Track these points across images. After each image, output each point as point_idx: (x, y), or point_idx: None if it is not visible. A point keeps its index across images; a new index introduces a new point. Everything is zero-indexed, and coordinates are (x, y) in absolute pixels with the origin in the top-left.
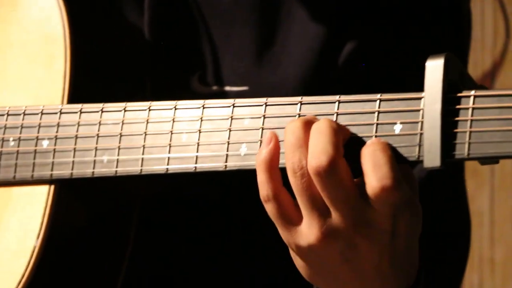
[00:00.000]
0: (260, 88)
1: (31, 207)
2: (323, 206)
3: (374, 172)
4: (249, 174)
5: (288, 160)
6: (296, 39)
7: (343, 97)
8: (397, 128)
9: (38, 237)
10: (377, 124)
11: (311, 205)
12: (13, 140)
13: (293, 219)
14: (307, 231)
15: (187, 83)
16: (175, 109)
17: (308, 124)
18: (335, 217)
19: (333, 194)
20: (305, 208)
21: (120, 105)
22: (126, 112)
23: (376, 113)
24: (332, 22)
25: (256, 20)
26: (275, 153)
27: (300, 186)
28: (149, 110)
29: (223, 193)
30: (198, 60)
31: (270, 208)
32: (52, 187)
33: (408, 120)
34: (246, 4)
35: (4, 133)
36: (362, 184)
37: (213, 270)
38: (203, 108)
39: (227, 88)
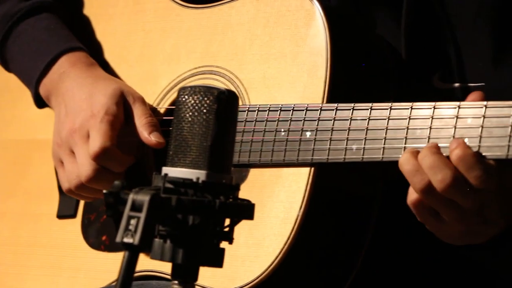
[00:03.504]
0: (496, 85)
1: (296, 184)
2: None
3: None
4: None
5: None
6: None
7: None
8: None
9: (300, 208)
10: None
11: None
12: (284, 131)
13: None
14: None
15: (428, 80)
16: (412, 108)
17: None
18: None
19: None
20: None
21: (368, 104)
22: (372, 111)
23: None
24: None
25: (493, 23)
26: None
27: None
28: (391, 109)
29: None
30: (441, 59)
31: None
32: (312, 169)
33: None
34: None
35: (277, 125)
36: None
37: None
38: (434, 108)
39: (467, 84)
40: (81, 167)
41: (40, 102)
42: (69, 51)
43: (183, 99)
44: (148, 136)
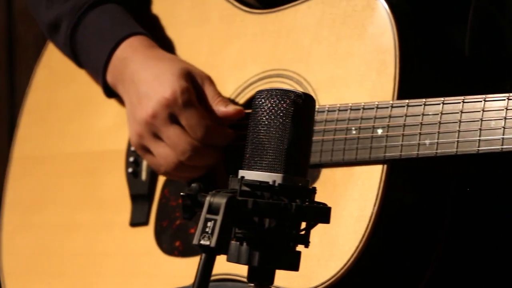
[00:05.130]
0: None
1: (369, 182)
2: None
3: None
4: None
5: None
6: None
7: None
8: None
9: (374, 206)
10: None
11: None
12: (355, 129)
13: None
14: None
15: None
16: (485, 101)
17: None
18: None
19: None
20: None
21: (439, 99)
22: (444, 105)
23: None
24: None
25: None
26: None
27: None
28: (463, 102)
29: None
30: (508, 68)
31: None
32: (385, 166)
33: None
34: None
35: (347, 124)
36: None
37: None
38: (508, 100)
39: None
40: (177, 148)
41: (109, 91)
42: (129, 35)
43: (260, 102)
44: (225, 108)
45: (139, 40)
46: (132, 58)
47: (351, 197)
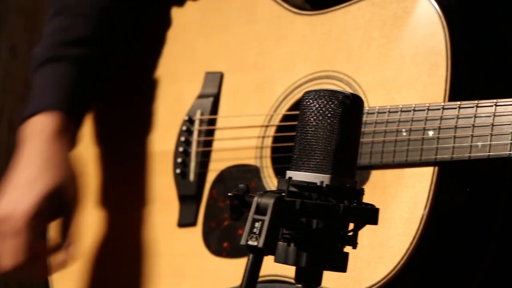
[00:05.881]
0: None
1: (419, 184)
2: None
3: None
4: None
5: None
6: None
7: None
8: None
9: (425, 208)
10: None
11: None
12: (405, 131)
13: None
14: None
15: None
16: None
17: None
18: None
19: None
20: None
21: (492, 101)
22: (497, 107)
23: None
24: None
25: None
26: None
27: None
28: None
29: None
30: None
31: None
32: (436, 168)
33: None
34: None
35: (398, 125)
36: None
37: None
38: None
39: None
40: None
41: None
42: (44, 110)
43: (308, 103)
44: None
45: (50, 120)
46: (31, 140)
47: (401, 199)
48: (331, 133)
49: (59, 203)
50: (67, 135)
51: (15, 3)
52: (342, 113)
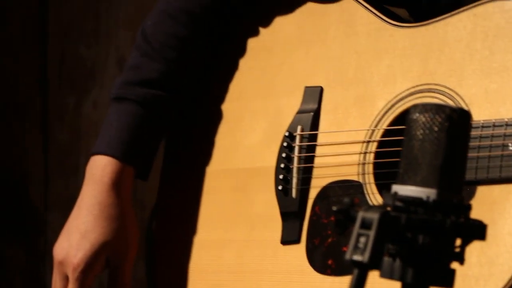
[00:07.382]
0: None
1: None
2: None
3: None
4: None
5: None
6: None
7: None
8: None
9: None
10: None
11: None
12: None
13: None
14: None
15: None
16: None
17: None
18: None
19: None
20: None
21: None
22: None
23: None
24: None
25: None
26: None
27: None
28: None
29: None
30: None
31: None
32: None
33: None
34: None
35: (504, 140)
36: None
37: None
38: None
39: None
40: None
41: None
42: (107, 154)
43: (414, 116)
44: None
45: (113, 168)
46: (92, 183)
47: (510, 215)
48: (438, 147)
49: (111, 254)
50: (125, 183)
51: (123, 17)
52: (449, 127)
